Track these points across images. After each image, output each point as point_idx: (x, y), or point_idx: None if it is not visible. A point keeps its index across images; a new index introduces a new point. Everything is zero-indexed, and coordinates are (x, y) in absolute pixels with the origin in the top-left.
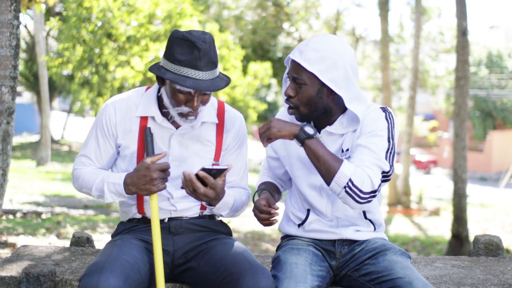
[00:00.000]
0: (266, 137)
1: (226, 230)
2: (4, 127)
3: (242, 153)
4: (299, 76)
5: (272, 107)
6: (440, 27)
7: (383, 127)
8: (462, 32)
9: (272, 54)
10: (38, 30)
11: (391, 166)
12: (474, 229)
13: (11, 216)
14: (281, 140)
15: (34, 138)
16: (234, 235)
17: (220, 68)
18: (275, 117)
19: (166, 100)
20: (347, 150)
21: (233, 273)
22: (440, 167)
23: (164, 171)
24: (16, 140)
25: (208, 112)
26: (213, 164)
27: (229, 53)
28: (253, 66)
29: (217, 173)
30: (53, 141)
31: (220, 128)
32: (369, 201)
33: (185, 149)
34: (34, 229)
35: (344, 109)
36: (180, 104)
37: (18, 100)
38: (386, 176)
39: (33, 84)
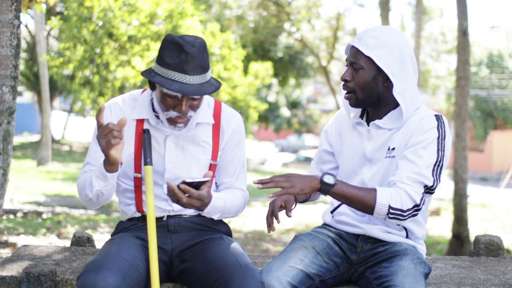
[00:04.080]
0: (287, 193)
1: (225, 230)
2: (5, 126)
3: (239, 153)
4: (356, 61)
5: (273, 107)
6: (442, 28)
7: (433, 138)
8: (463, 32)
9: (273, 54)
10: (39, 29)
11: (436, 180)
12: (474, 229)
13: (11, 216)
14: (336, 134)
15: (35, 137)
16: (235, 234)
17: (221, 68)
18: (293, 174)
19: (156, 105)
20: (393, 149)
21: (223, 276)
22: None
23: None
24: (16, 139)
25: (203, 112)
26: (211, 165)
27: (230, 53)
28: (254, 66)
29: (199, 184)
30: (54, 141)
31: (216, 128)
32: (414, 215)
33: (181, 150)
34: (34, 229)
35: (396, 104)
36: (169, 109)
37: (18, 99)
38: (430, 190)
39: (33, 83)
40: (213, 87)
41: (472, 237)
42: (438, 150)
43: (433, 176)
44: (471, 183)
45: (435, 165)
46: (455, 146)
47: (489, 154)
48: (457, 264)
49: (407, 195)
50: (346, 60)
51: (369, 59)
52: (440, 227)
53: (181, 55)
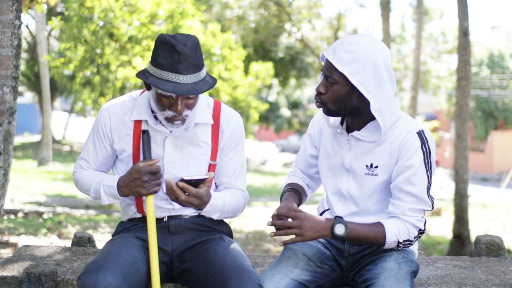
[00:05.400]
0: (298, 241)
1: (226, 230)
2: (6, 127)
3: (238, 153)
4: (331, 75)
5: (274, 107)
6: (442, 28)
7: (420, 162)
8: (464, 33)
9: (273, 54)
10: (40, 30)
11: (432, 201)
12: (475, 230)
13: (12, 216)
14: (319, 135)
15: (36, 138)
16: (236, 235)
17: (222, 68)
18: (305, 220)
19: (153, 105)
20: (376, 167)
21: (221, 277)
22: (441, 167)
23: (155, 174)
24: (17, 140)
25: (202, 113)
26: (211, 165)
27: (231, 53)
28: (255, 66)
29: (198, 182)
30: (55, 141)
31: (215, 129)
32: (420, 237)
33: (180, 151)
34: (35, 229)
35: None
36: (165, 108)
37: (19, 100)
38: (428, 211)
39: (34, 84)
40: (208, 85)
41: (473, 237)
42: (426, 171)
43: (429, 198)
44: (471, 183)
45: (427, 186)
46: (456, 146)
47: (489, 154)
48: (458, 264)
49: (412, 226)
50: (321, 70)
51: (343, 75)
52: (441, 227)
53: (173, 55)
